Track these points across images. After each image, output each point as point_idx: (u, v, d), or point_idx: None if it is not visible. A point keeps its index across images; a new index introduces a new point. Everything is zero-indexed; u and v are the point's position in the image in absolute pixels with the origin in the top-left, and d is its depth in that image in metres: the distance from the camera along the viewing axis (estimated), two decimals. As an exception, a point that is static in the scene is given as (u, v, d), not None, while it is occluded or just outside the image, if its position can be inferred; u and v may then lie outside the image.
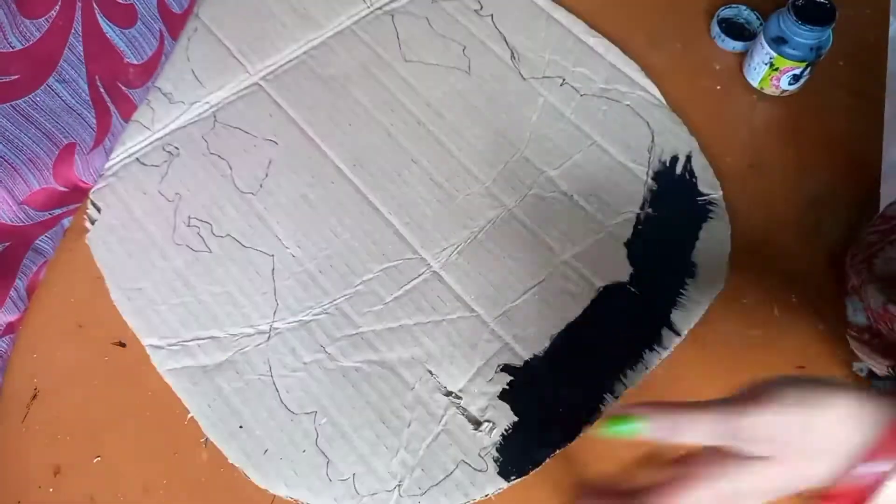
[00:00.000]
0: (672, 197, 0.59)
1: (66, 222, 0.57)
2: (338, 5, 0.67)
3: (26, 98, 0.50)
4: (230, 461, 0.49)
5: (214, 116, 0.61)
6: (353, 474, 0.49)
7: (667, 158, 0.60)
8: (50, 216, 0.54)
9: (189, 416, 0.50)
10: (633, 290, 0.55)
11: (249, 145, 0.60)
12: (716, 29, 0.66)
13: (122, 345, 0.53)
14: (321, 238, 0.57)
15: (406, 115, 0.62)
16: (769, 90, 0.63)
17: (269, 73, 0.63)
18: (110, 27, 0.55)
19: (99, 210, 0.57)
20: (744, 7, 0.67)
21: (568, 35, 0.66)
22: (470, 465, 0.49)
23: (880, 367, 0.50)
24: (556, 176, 0.59)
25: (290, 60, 0.64)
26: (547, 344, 0.53)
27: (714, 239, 0.57)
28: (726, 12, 0.67)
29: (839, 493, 0.32)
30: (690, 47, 0.66)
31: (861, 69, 0.65)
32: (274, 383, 0.51)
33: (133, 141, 0.59)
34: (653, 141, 0.61)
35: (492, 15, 0.67)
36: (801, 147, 0.61)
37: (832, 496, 0.33)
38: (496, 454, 0.49)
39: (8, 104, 0.50)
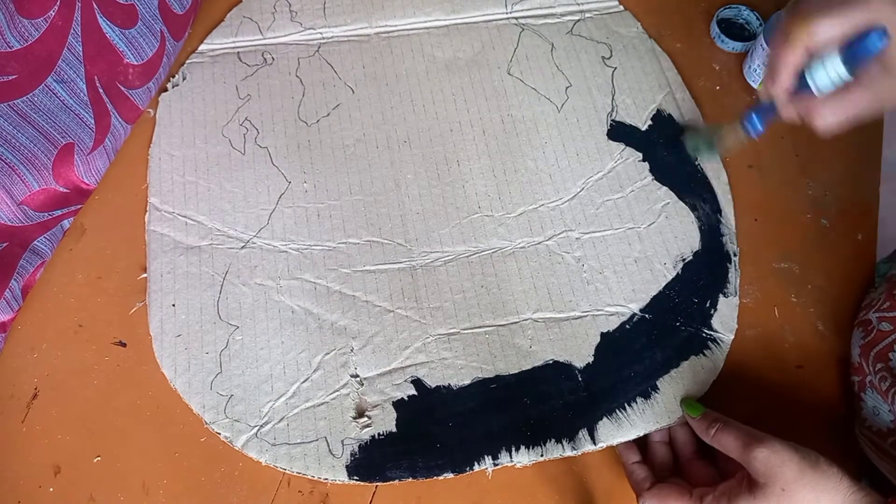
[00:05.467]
0: (675, 315, 0.54)
1: (66, 223, 0.56)
2: (483, 0, 0.68)
3: (24, 98, 0.50)
4: (149, 323, 0.53)
5: (319, 47, 0.65)
6: (231, 395, 0.51)
7: (695, 277, 0.55)
8: (49, 217, 0.54)
9: (189, 414, 0.51)
10: (580, 379, 0.52)
11: (330, 83, 0.63)
12: (715, 29, 0.65)
13: (123, 345, 0.53)
14: (336, 188, 0.59)
15: (476, 120, 0.62)
16: None
17: (385, 31, 0.66)
18: (110, 27, 0.54)
19: (184, 78, 0.63)
20: (744, 7, 0.67)
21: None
22: (328, 445, 0.49)
23: None
24: (577, 239, 0.57)
25: (410, 29, 0.66)
26: (467, 382, 0.52)
27: (693, 376, 0.52)
28: (726, 13, 0.66)
29: None
30: (690, 47, 0.66)
31: None
32: (221, 285, 0.55)
33: (243, 38, 0.65)
34: (692, 256, 0.56)
35: (615, 69, 0.65)
36: (800, 147, 0.61)
37: None
38: (356, 450, 0.49)
39: (5, 104, 0.49)
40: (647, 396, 0.51)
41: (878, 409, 0.48)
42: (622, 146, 0.61)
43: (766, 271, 0.57)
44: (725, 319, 0.54)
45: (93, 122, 0.54)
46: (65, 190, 0.54)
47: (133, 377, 0.52)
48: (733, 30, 0.67)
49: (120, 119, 0.58)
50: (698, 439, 0.48)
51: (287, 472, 0.49)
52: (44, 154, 0.51)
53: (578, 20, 0.67)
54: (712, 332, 0.54)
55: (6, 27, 0.47)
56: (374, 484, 0.49)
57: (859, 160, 0.61)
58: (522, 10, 0.68)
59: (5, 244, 0.51)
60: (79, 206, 0.57)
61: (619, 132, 0.62)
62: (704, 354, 0.53)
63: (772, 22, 0.60)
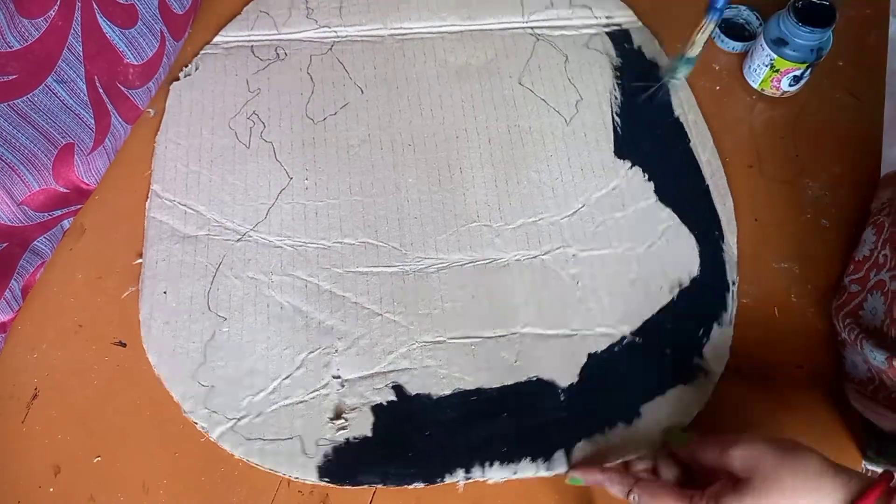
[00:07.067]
0: (666, 341, 0.53)
1: (66, 224, 0.56)
2: (500, 7, 0.67)
3: (24, 98, 0.50)
4: (139, 310, 0.54)
5: (332, 45, 0.65)
6: (212, 386, 0.51)
7: (691, 304, 0.54)
8: (49, 217, 0.54)
9: (186, 414, 0.51)
10: (561, 398, 0.51)
11: (340, 82, 0.63)
12: (716, 29, 0.63)
13: (122, 345, 0.53)
14: (336, 187, 0.59)
15: (483, 128, 0.62)
16: (769, 91, 0.62)
17: (399, 33, 0.66)
18: (110, 27, 0.54)
19: (197, 68, 0.64)
20: (744, 7, 0.66)
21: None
22: (302, 444, 0.49)
23: (887, 422, 0.48)
24: (574, 256, 0.56)
25: (424, 33, 0.66)
26: (447, 393, 0.51)
27: (678, 405, 0.51)
28: (726, 12, 0.65)
29: None
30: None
31: (861, 69, 0.64)
32: (214, 276, 0.55)
33: (258, 32, 0.65)
34: (689, 282, 0.55)
35: (628, 85, 0.64)
36: (801, 147, 0.61)
37: None
38: (329, 451, 0.49)
39: (5, 104, 0.49)
40: (628, 422, 0.50)
41: (855, 362, 0.51)
42: (629, 164, 0.60)
43: (766, 271, 0.57)
44: (717, 350, 0.53)
45: (93, 122, 0.55)
46: (65, 190, 0.54)
47: (133, 377, 0.52)
48: (733, 30, 0.66)
49: (120, 119, 0.58)
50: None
51: (258, 467, 0.49)
52: (44, 154, 0.51)
53: (595, 34, 0.66)
54: (702, 362, 0.52)
55: (6, 27, 0.47)
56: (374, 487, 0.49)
57: (859, 160, 0.60)
58: (539, 21, 0.67)
59: (5, 244, 0.51)
60: (79, 206, 0.57)
61: (627, 149, 0.61)
62: (692, 384, 0.52)
63: (772, 23, 0.59)
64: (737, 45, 0.65)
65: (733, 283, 0.55)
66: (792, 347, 0.54)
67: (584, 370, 0.52)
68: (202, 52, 0.65)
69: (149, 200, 0.58)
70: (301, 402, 0.51)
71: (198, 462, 0.49)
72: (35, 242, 0.54)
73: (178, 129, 0.61)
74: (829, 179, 0.60)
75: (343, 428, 0.50)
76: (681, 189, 0.59)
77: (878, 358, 0.47)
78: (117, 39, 0.55)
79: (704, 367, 0.52)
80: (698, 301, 0.55)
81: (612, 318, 0.54)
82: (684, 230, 0.57)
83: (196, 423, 0.50)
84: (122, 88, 0.57)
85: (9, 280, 0.51)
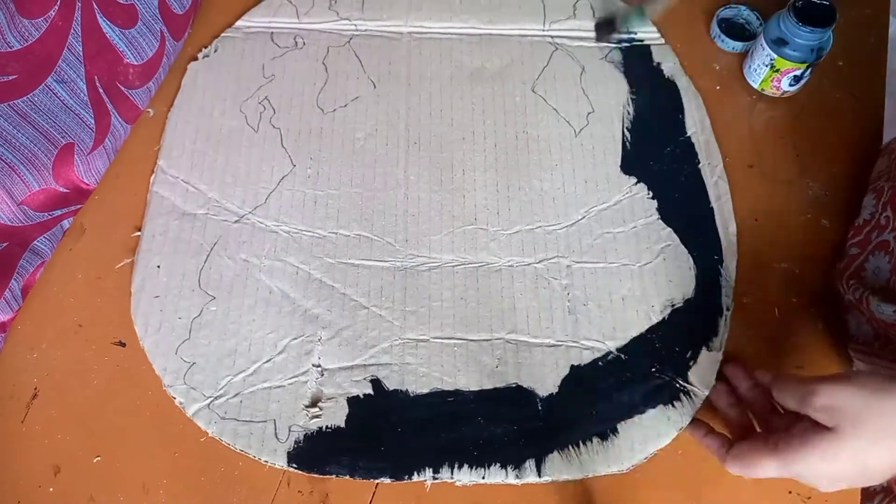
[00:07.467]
0: (652, 361, 0.52)
1: (65, 223, 0.56)
2: (524, 14, 0.67)
3: (24, 98, 0.50)
4: (132, 279, 0.55)
5: (350, 38, 0.66)
6: (194, 363, 0.52)
7: (681, 325, 0.53)
8: (49, 217, 0.54)
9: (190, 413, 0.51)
10: (539, 408, 0.50)
11: (354, 75, 0.64)
12: (716, 29, 0.65)
13: (122, 345, 0.53)
14: (338, 178, 0.59)
15: (490, 132, 0.61)
16: (769, 91, 0.62)
17: (418, 32, 0.66)
18: (110, 27, 0.54)
19: (216, 50, 0.65)
20: (744, 7, 0.66)
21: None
22: (275, 429, 0.49)
23: None
24: (567, 267, 0.56)
25: (443, 33, 0.66)
26: (424, 391, 0.51)
27: (657, 426, 0.50)
28: (726, 12, 0.66)
29: None
30: (690, 47, 0.65)
31: (861, 69, 0.64)
32: (208, 255, 0.55)
33: (280, 19, 0.66)
34: (682, 303, 0.54)
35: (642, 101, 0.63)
36: (801, 147, 0.61)
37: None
38: (301, 438, 0.49)
39: (5, 104, 0.49)
40: (604, 438, 0.49)
41: (860, 322, 0.52)
42: (634, 180, 0.59)
43: (766, 271, 0.56)
44: (704, 373, 0.52)
45: (93, 122, 0.55)
46: (64, 190, 0.54)
47: (133, 377, 0.52)
48: (733, 30, 0.66)
49: (120, 119, 0.58)
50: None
51: (230, 447, 0.49)
52: (44, 154, 0.52)
53: (615, 47, 0.66)
54: (687, 385, 0.51)
55: (6, 27, 0.47)
56: (374, 482, 0.49)
57: (859, 160, 0.60)
58: (559, 30, 0.67)
59: (5, 244, 0.51)
60: (79, 206, 0.57)
61: (634, 166, 0.60)
62: (673, 406, 0.51)
63: (772, 23, 0.59)
64: (737, 45, 0.65)
65: (727, 309, 0.54)
66: (792, 347, 0.54)
67: (565, 382, 0.51)
68: (223, 34, 0.65)
69: (154, 175, 0.59)
70: (279, 386, 0.51)
71: (198, 462, 0.49)
72: (35, 242, 0.54)
73: (189, 108, 0.62)
74: (828, 179, 0.60)
75: (317, 416, 0.50)
76: (684, 210, 0.58)
77: (885, 312, 0.48)
78: (117, 39, 0.55)
79: (689, 389, 0.51)
80: (690, 323, 0.54)
81: (598, 332, 0.53)
82: (683, 251, 0.56)
83: (174, 399, 0.50)
84: (122, 88, 0.57)
85: (9, 280, 0.51)
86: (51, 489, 0.49)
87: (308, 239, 0.56)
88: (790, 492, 0.49)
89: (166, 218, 0.57)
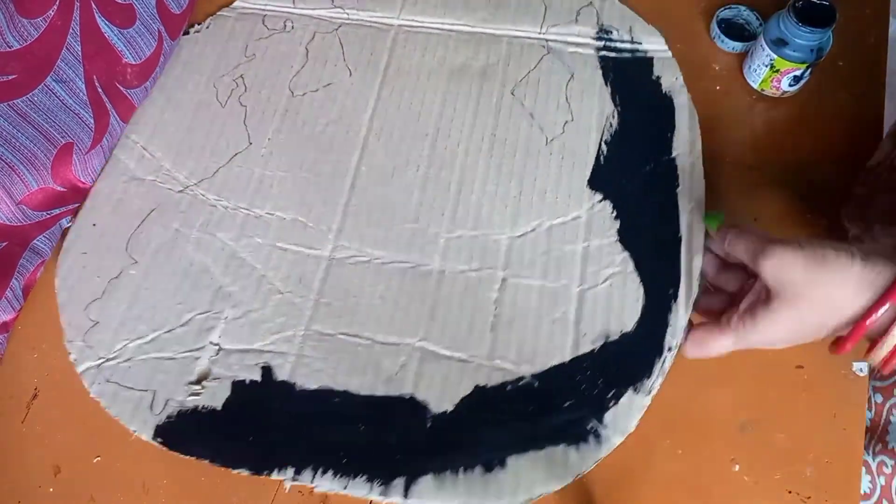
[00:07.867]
0: (567, 394, 0.46)
1: (64, 222, 0.56)
2: (522, 15, 0.63)
3: (24, 98, 0.50)
4: (67, 234, 0.55)
5: (339, 26, 0.64)
6: (97, 323, 0.51)
7: (611, 361, 0.47)
8: (48, 216, 0.54)
9: None
10: (427, 425, 0.46)
11: (332, 61, 0.62)
12: (715, 29, 0.63)
13: None
14: (291, 160, 0.57)
15: (457, 131, 0.58)
16: (769, 91, 0.60)
17: (409, 25, 0.64)
18: (109, 27, 0.55)
19: (207, 27, 0.65)
20: (743, 7, 0.65)
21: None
22: (153, 400, 0.48)
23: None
24: (502, 280, 0.51)
25: (434, 28, 0.64)
26: (312, 387, 0.48)
27: (550, 466, 0.44)
28: (726, 13, 0.64)
29: (849, 338, 0.38)
30: (690, 47, 0.63)
31: (861, 69, 0.62)
32: (143, 220, 0.55)
33: (274, 3, 0.66)
34: (618, 336, 0.48)
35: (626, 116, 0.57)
36: (801, 148, 0.59)
37: (842, 341, 0.39)
38: (174, 414, 0.47)
39: (5, 104, 0.49)
40: (488, 469, 0.44)
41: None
42: (599, 196, 0.54)
43: None
44: (622, 418, 0.45)
45: (92, 121, 0.55)
46: (62, 189, 0.55)
47: None
48: (733, 30, 0.64)
49: (118, 118, 0.58)
50: None
51: (106, 409, 0.48)
52: (43, 153, 0.52)
53: (615, 57, 0.60)
54: (599, 426, 0.45)
55: (6, 27, 0.48)
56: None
57: (859, 160, 0.57)
58: (557, 34, 0.62)
59: (5, 243, 0.52)
60: (76, 205, 0.57)
61: (603, 181, 0.54)
62: (577, 448, 0.44)
63: (772, 23, 0.57)
64: (737, 46, 0.62)
65: (669, 350, 0.47)
66: (792, 347, 0.47)
67: (464, 402, 0.46)
68: (218, 13, 0.66)
69: (119, 139, 0.60)
70: (171, 358, 0.49)
71: (198, 462, 0.47)
72: (35, 241, 0.54)
73: (166, 79, 0.62)
74: (828, 180, 0.57)
75: (196, 394, 0.48)
76: (648, 235, 0.52)
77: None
78: (116, 39, 0.56)
79: (600, 432, 0.45)
80: (621, 360, 0.47)
81: (516, 354, 0.48)
82: (634, 280, 0.50)
83: (69, 354, 0.50)
84: (121, 88, 0.58)
85: (10, 279, 0.52)
86: (51, 489, 0.48)
87: (243, 217, 0.55)
88: (790, 492, 0.46)
89: (117, 179, 0.57)
